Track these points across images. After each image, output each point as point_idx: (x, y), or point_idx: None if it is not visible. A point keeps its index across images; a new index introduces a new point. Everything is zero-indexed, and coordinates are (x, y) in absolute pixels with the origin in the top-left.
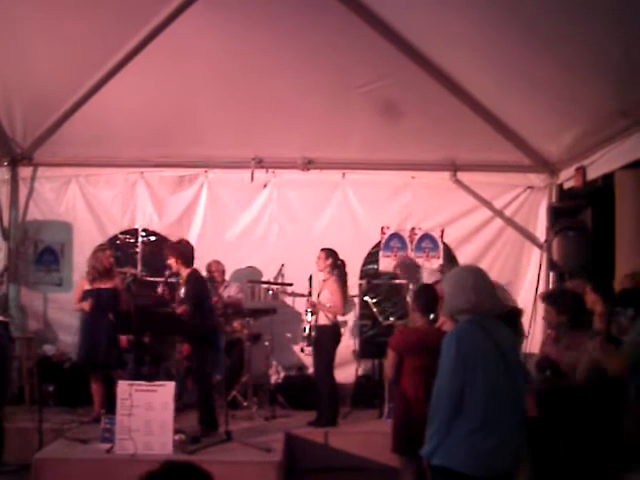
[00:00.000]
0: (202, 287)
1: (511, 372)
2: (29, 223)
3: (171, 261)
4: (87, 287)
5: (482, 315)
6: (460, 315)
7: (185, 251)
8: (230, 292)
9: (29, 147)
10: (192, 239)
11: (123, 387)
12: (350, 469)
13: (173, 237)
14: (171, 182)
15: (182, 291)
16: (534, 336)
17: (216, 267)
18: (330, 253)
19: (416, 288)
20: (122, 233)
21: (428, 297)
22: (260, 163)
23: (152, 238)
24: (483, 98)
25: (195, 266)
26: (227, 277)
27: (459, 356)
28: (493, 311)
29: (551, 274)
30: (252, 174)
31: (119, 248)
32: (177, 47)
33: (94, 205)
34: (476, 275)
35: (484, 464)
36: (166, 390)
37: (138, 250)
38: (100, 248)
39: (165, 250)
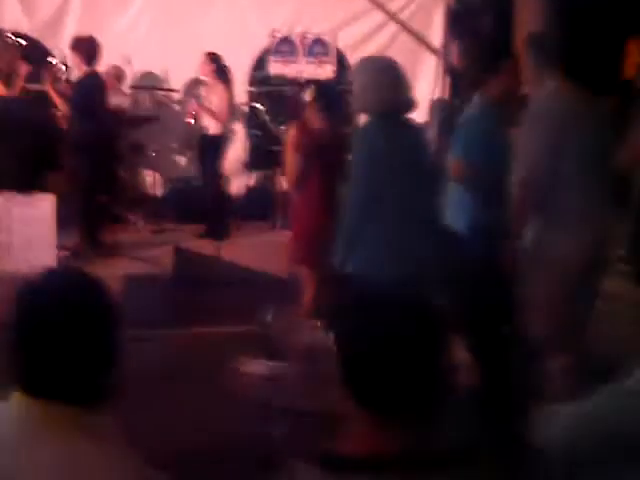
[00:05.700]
0: (93, 92)
1: (423, 173)
2: None
3: (71, 57)
4: None
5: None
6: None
7: (86, 47)
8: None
9: None
10: (65, 42)
11: None
12: (243, 281)
13: (44, 40)
14: None
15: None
16: None
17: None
18: (214, 57)
19: (315, 86)
20: None
21: (328, 96)
22: None
23: (22, 41)
24: None
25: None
26: None
27: (368, 158)
28: (406, 109)
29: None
30: None
31: None
32: None
33: None
34: (394, 69)
35: (395, 268)
36: (46, 204)
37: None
38: None
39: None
